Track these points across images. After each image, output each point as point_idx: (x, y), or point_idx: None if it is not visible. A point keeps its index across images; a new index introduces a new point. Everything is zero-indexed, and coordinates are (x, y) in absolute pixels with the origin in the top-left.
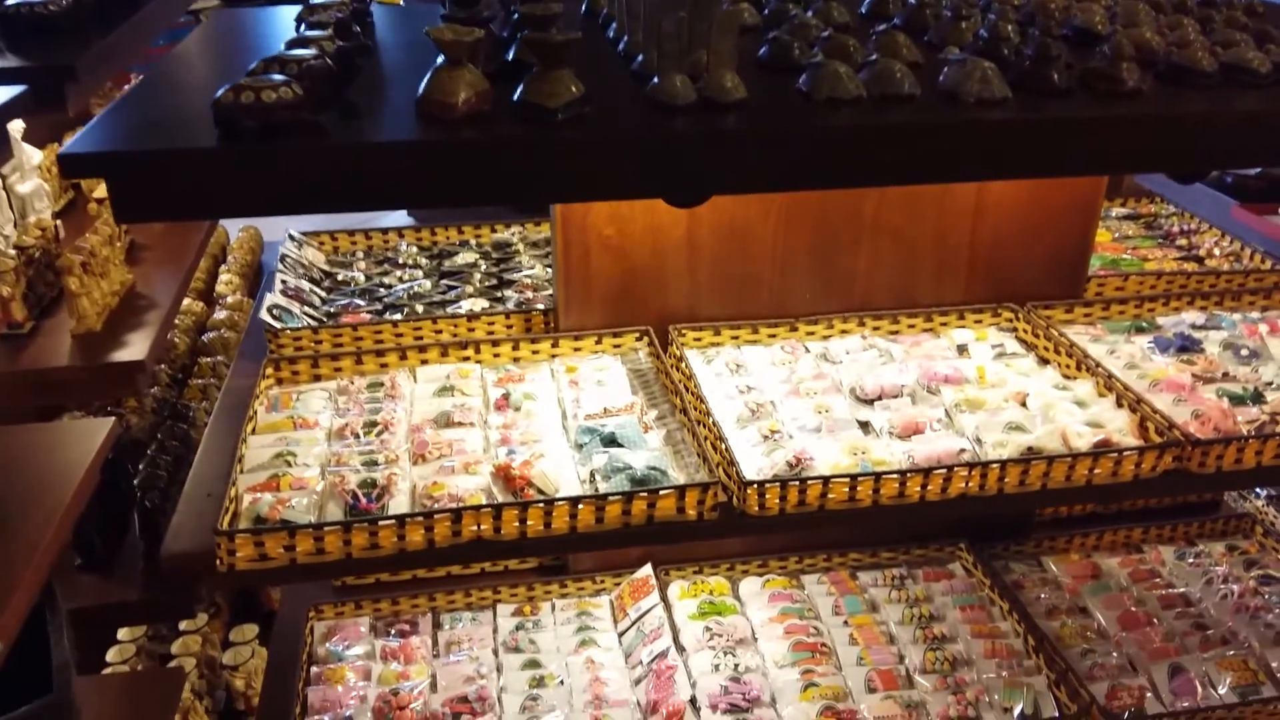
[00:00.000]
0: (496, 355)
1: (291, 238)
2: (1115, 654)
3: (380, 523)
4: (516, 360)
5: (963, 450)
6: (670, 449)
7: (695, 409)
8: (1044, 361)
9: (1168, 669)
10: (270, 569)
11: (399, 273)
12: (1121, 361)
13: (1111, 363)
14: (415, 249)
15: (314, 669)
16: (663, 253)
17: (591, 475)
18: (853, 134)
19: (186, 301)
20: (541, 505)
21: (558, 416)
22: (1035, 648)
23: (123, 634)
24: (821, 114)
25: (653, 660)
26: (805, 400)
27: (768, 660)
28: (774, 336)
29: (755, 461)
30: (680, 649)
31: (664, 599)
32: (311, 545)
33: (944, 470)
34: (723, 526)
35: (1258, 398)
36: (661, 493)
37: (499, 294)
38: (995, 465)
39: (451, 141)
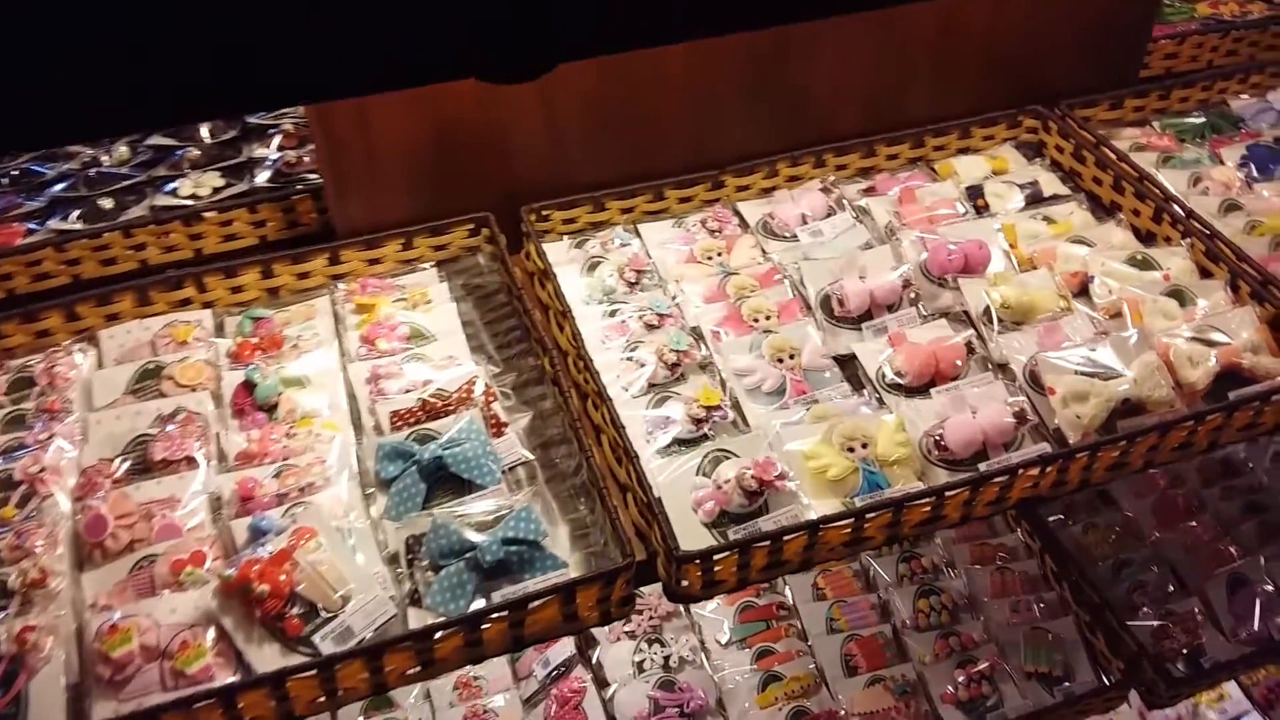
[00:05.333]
0: (237, 291)
1: None
2: (1156, 566)
3: None
4: (274, 294)
5: (1019, 414)
6: (543, 454)
7: (571, 371)
8: (1096, 204)
9: (1226, 582)
10: None
11: None
12: (1214, 199)
13: (1202, 203)
14: None
15: None
16: (499, 90)
17: (408, 550)
18: None
19: None
20: (313, 676)
21: (346, 417)
22: (1057, 574)
23: None
24: None
25: (551, 677)
26: (750, 333)
27: (708, 638)
28: (688, 202)
29: (685, 479)
30: (588, 644)
31: None
32: None
33: (1002, 479)
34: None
35: None
36: (532, 605)
37: (242, 156)
38: (1082, 454)
39: None
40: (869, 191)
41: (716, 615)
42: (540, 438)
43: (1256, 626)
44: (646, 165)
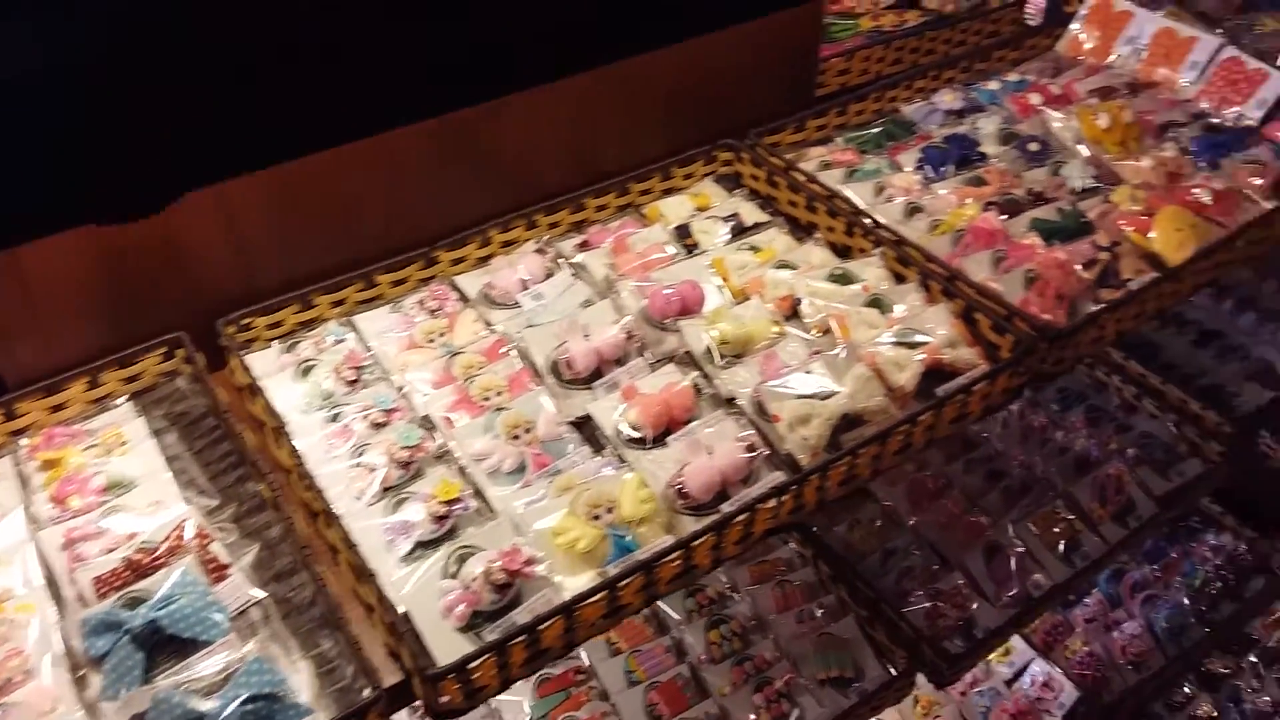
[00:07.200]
0: None
1: None
2: (918, 549)
3: None
4: None
5: (750, 447)
6: (278, 587)
7: (297, 490)
8: (795, 225)
9: (982, 551)
10: None
11: None
12: (897, 205)
13: (887, 211)
14: None
15: None
16: None
17: None
18: None
19: None
20: None
21: (43, 593)
22: (833, 576)
23: None
24: None
25: None
26: (483, 414)
27: None
28: (402, 284)
29: (432, 585)
30: None
31: None
32: None
33: (743, 517)
34: None
35: (1080, 225)
36: None
37: None
38: (813, 476)
39: None
40: (584, 246)
41: (514, 695)
42: (272, 570)
43: (1016, 588)
44: (349, 252)
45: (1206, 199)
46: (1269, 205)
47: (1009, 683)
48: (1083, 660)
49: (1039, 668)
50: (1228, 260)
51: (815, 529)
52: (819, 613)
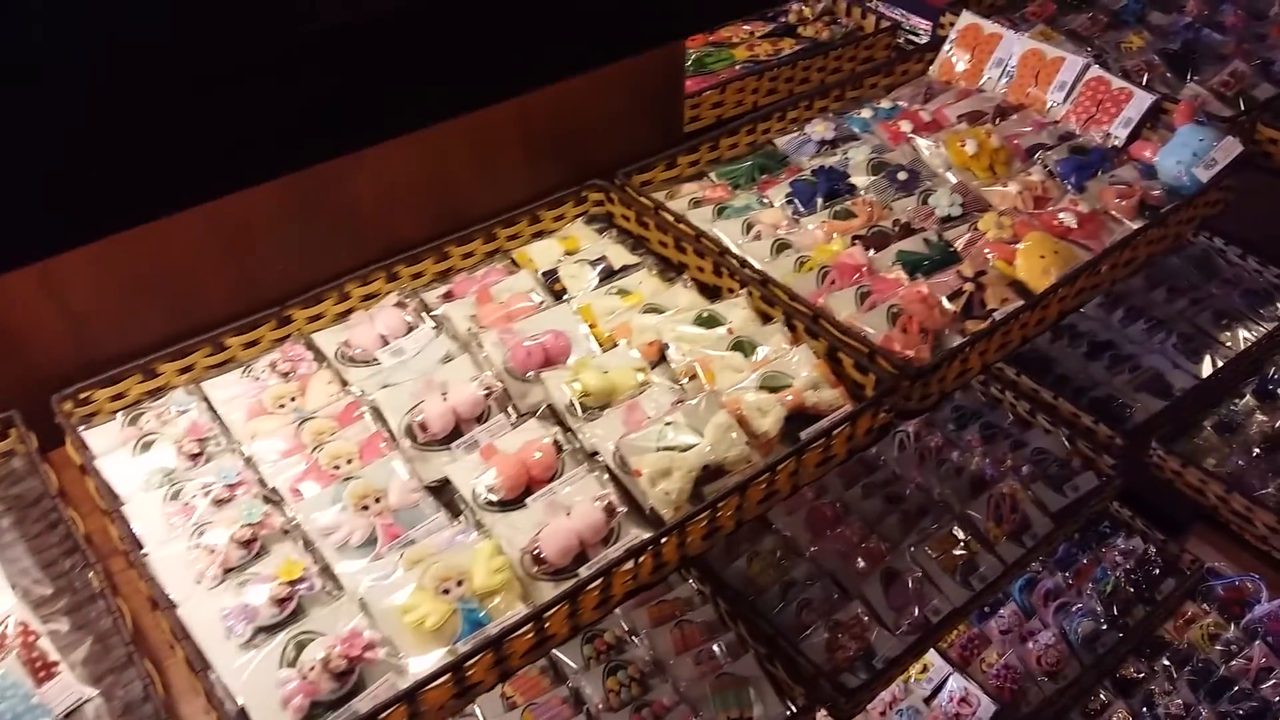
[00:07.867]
0: None
1: None
2: (817, 580)
3: None
4: None
5: (608, 507)
6: (115, 681)
7: (134, 576)
8: (667, 265)
9: (880, 578)
10: None
11: None
12: (765, 242)
13: (756, 249)
14: None
15: None
16: None
17: None
18: None
19: None
20: None
21: None
22: (731, 613)
23: None
24: None
25: None
26: (333, 483)
27: None
28: (253, 347)
29: (269, 676)
30: None
31: None
32: None
33: (599, 582)
34: None
35: (947, 255)
36: None
37: None
38: (672, 536)
39: None
40: (448, 296)
41: None
42: (107, 663)
43: (915, 614)
44: (197, 316)
45: (1072, 222)
46: (1135, 225)
47: (927, 700)
48: (999, 673)
49: (956, 683)
50: (1093, 284)
51: (716, 563)
52: (718, 651)
